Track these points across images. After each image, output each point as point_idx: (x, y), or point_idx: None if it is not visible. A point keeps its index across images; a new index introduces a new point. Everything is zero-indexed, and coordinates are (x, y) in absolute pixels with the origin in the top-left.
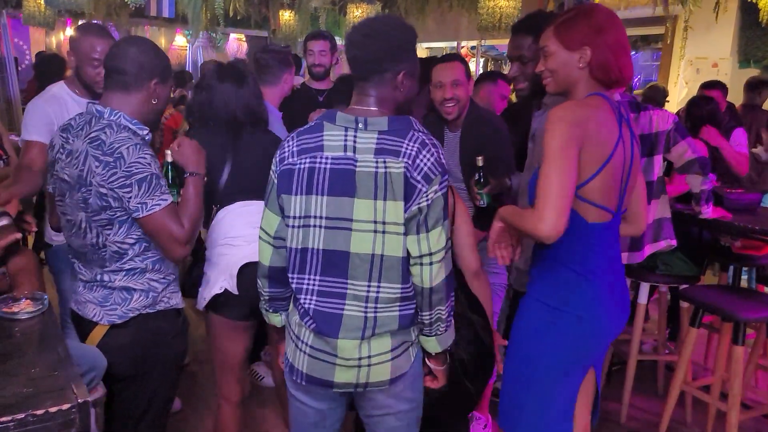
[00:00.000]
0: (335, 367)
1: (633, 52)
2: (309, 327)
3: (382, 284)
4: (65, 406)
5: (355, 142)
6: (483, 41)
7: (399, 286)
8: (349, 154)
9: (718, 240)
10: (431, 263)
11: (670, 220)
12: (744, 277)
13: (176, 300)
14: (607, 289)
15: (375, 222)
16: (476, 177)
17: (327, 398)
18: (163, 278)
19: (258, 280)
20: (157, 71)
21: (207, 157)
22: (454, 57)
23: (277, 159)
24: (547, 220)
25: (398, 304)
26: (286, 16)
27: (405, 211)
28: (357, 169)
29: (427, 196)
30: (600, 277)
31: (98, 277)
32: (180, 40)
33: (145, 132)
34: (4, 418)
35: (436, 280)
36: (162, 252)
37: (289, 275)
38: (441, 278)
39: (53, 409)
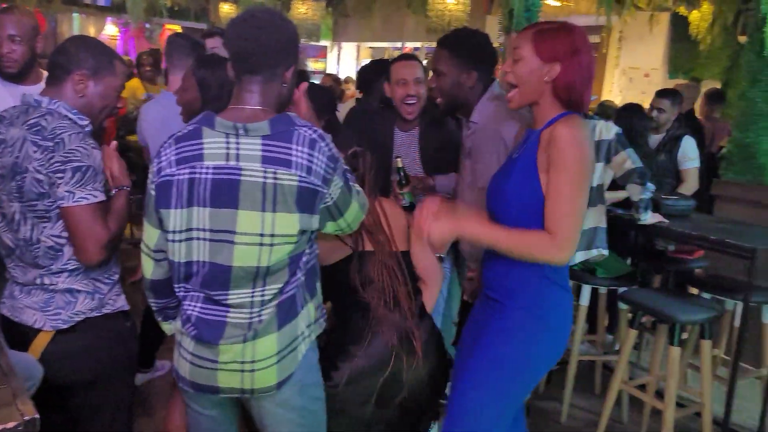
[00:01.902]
0: (218, 372)
1: None
2: (190, 334)
3: (267, 287)
4: (10, 425)
5: (237, 149)
6: (427, 43)
7: (284, 280)
8: (232, 162)
9: (653, 244)
10: (351, 228)
11: (605, 231)
12: None
13: (121, 302)
14: (571, 295)
15: (262, 235)
16: (397, 178)
17: (216, 405)
18: (108, 278)
19: (145, 290)
20: (84, 64)
21: None
22: (414, 56)
23: (155, 169)
24: (569, 246)
25: (278, 297)
26: (226, 8)
27: (311, 218)
28: (242, 178)
29: (330, 194)
30: (567, 284)
31: (38, 280)
32: (111, 29)
33: (86, 123)
34: None
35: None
36: (77, 252)
37: (175, 285)
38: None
39: None
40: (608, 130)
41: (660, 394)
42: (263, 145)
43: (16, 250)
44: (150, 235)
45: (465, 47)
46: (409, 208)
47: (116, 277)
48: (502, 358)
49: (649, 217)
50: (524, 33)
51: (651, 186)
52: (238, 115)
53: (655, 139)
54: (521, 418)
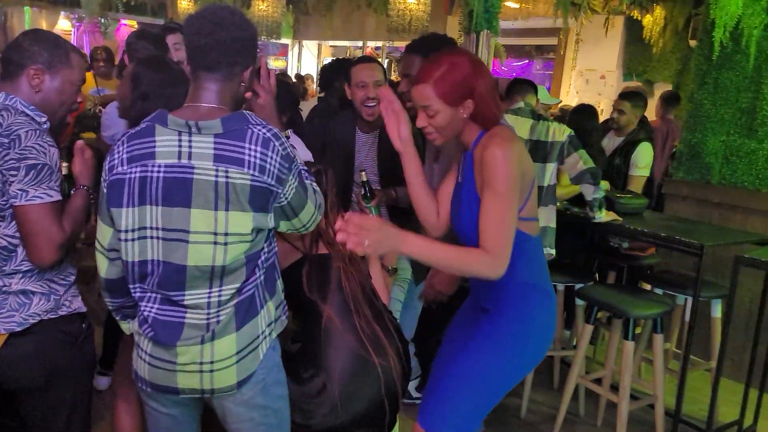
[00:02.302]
0: (177, 374)
1: (527, 61)
2: (147, 335)
3: (224, 287)
4: None
5: (190, 147)
6: (388, 43)
7: (241, 279)
8: (184, 161)
9: (607, 242)
10: (306, 229)
11: (554, 231)
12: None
13: (78, 304)
14: (554, 295)
15: (215, 233)
16: (362, 192)
17: (176, 404)
18: (64, 279)
19: (101, 288)
20: (37, 58)
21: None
22: (373, 59)
23: (107, 167)
24: (502, 260)
25: (236, 298)
26: (185, 3)
27: (265, 216)
28: (194, 177)
29: (284, 194)
30: (550, 286)
31: None
32: (64, 23)
33: (43, 119)
34: None
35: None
36: (29, 253)
37: (130, 285)
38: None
39: None
40: (561, 132)
41: (615, 388)
42: (216, 143)
43: None
44: (103, 233)
45: (436, 51)
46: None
47: (72, 278)
48: (488, 367)
49: (603, 216)
50: (422, 88)
51: (604, 185)
52: (192, 113)
53: (616, 141)
54: None
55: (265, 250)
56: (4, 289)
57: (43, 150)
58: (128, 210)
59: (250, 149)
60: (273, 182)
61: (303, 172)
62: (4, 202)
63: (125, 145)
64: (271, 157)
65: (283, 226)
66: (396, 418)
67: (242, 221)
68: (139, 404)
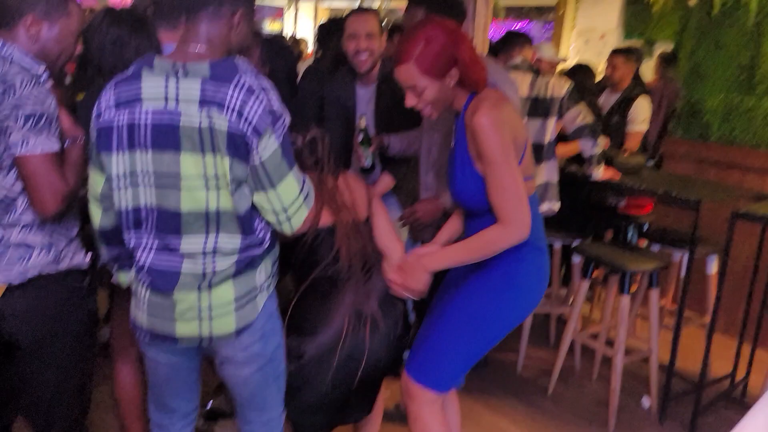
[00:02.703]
0: (175, 322)
1: (526, 21)
2: (144, 284)
3: (220, 236)
4: None
5: (177, 91)
6: (385, 3)
7: (239, 236)
8: (171, 106)
9: (605, 200)
10: (289, 218)
11: (556, 185)
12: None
13: (80, 259)
14: (546, 252)
15: (206, 177)
16: (360, 138)
17: (176, 352)
18: (65, 233)
19: (96, 238)
20: (35, 7)
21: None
22: (369, 10)
23: (95, 114)
24: (523, 226)
25: (237, 255)
26: None
27: (242, 167)
28: (181, 123)
29: (259, 152)
30: (541, 242)
31: None
32: None
33: (41, 69)
34: None
35: (300, 228)
36: (33, 204)
37: (125, 234)
38: (304, 226)
39: None
40: (561, 86)
41: (610, 344)
42: (202, 87)
43: None
44: (95, 181)
45: (440, 4)
46: (369, 170)
47: (74, 232)
48: (474, 313)
49: (600, 173)
50: (404, 69)
51: (602, 140)
52: (180, 56)
53: (612, 99)
54: None
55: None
56: (4, 241)
57: (41, 99)
58: (118, 156)
59: (233, 94)
60: (249, 132)
61: (289, 145)
62: (1, 152)
63: (113, 91)
64: (252, 107)
65: (259, 201)
66: (379, 385)
67: (223, 165)
68: (138, 361)
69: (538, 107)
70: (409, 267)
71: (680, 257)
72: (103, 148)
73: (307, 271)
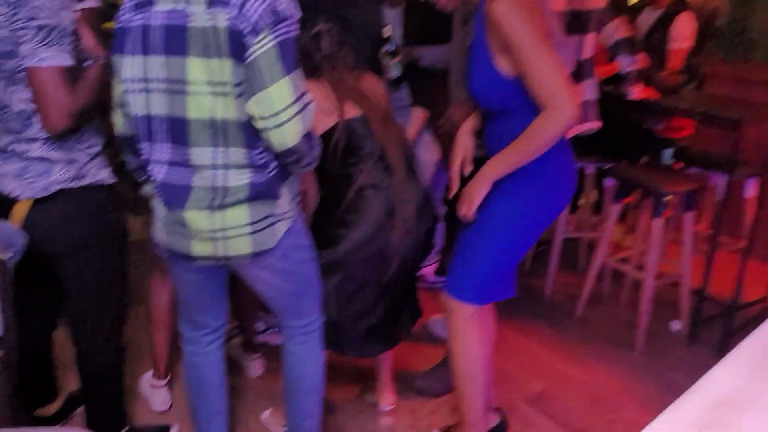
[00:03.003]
0: (191, 240)
1: None
2: (160, 199)
3: (229, 149)
4: None
5: None
6: None
7: (245, 150)
8: (181, 7)
9: (641, 122)
10: (278, 126)
11: (595, 103)
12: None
13: (104, 175)
14: (572, 157)
15: (211, 83)
16: (385, 48)
17: (198, 270)
18: (86, 149)
19: (123, 153)
20: None
21: None
22: None
23: (117, 17)
24: (569, 106)
25: (248, 170)
26: None
27: (240, 69)
28: (190, 24)
29: (253, 49)
30: (567, 145)
31: (10, 147)
32: None
33: None
34: None
35: (290, 142)
36: (40, 118)
37: (139, 144)
38: (296, 140)
39: None
40: None
41: (641, 269)
42: None
43: None
44: (116, 86)
45: None
46: (397, 82)
47: (96, 149)
48: (502, 216)
49: (638, 92)
50: None
51: (641, 57)
52: None
53: (652, 16)
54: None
55: None
56: (25, 155)
57: (54, 11)
58: (132, 58)
59: None
60: (247, 31)
61: (289, 51)
62: (16, 65)
63: None
64: (253, 4)
65: (249, 107)
66: (411, 290)
67: (224, 69)
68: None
69: (577, 22)
70: (468, 187)
71: (718, 180)
72: (118, 50)
73: (348, 170)
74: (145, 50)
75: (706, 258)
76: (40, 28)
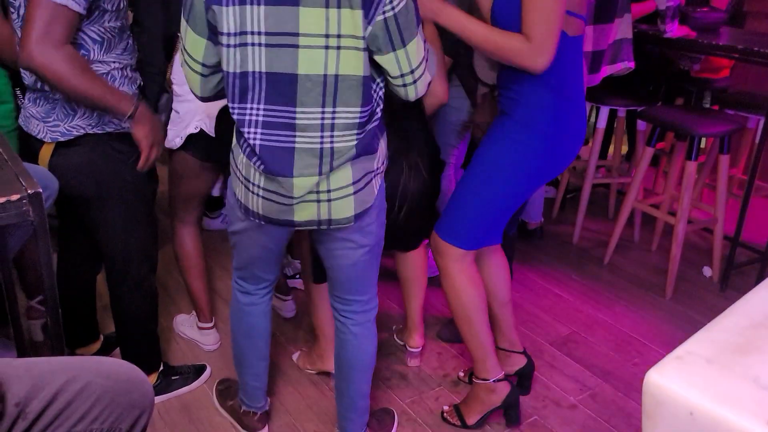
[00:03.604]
0: (293, 207)
1: None
2: (258, 168)
3: (337, 108)
4: (14, 197)
5: None
6: None
7: (358, 110)
8: None
9: (677, 64)
10: (415, 81)
11: (630, 42)
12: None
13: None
14: (579, 104)
15: (327, 36)
16: None
17: (283, 231)
18: None
19: None
20: None
21: None
22: None
23: None
24: (547, 54)
25: (354, 130)
26: None
27: (368, 23)
28: None
29: (392, 5)
30: (575, 94)
31: (38, 84)
32: None
33: None
34: None
35: (421, 92)
36: (19, 44)
37: (230, 105)
38: (424, 90)
39: (1, 200)
40: None
41: (673, 215)
42: None
43: None
44: (195, 44)
45: None
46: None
47: None
48: (490, 162)
49: (675, 29)
50: None
51: None
52: None
53: None
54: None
55: (378, 81)
56: (51, 96)
57: None
58: (229, 9)
59: None
60: None
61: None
62: None
63: None
64: None
65: (387, 62)
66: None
67: (353, 19)
68: (197, 225)
69: None
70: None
71: (756, 123)
72: (213, 1)
73: None
74: (243, 0)
75: (741, 202)
76: None
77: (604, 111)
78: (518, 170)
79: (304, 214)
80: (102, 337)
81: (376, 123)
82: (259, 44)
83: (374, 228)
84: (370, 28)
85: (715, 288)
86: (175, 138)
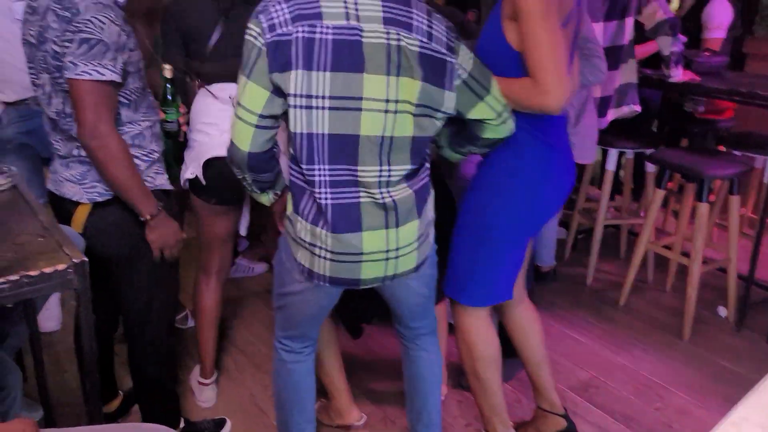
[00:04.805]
0: (361, 264)
1: None
2: (326, 229)
3: (392, 167)
4: (60, 267)
5: (356, 9)
6: None
7: (408, 166)
8: (353, 23)
9: (681, 106)
10: (506, 118)
11: (635, 86)
12: None
13: (162, 181)
14: (563, 151)
15: (387, 101)
16: None
17: (340, 289)
18: (145, 156)
19: (233, 165)
20: None
21: (195, 20)
22: None
23: (265, 26)
24: (554, 91)
25: (406, 182)
26: None
27: (449, 90)
28: (364, 40)
29: (461, 65)
30: (554, 139)
31: (74, 152)
32: None
33: None
34: None
35: (511, 128)
36: (76, 126)
37: (298, 167)
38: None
39: (48, 270)
40: None
41: (686, 255)
42: (383, 6)
43: (54, 123)
44: (255, 96)
45: None
46: None
47: (155, 156)
48: (474, 207)
49: (679, 74)
50: None
51: (682, 38)
52: None
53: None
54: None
55: (428, 141)
56: (87, 160)
57: (101, 24)
58: (296, 73)
59: (416, 14)
60: (444, 51)
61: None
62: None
63: (284, 5)
64: (437, 25)
65: (481, 111)
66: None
67: (411, 88)
68: (219, 279)
69: (615, 6)
70: None
71: (763, 162)
72: (280, 66)
73: None
74: (308, 66)
75: (754, 241)
76: (82, 41)
77: (613, 154)
78: (508, 219)
79: (371, 272)
80: (121, 393)
81: (426, 173)
82: (323, 107)
83: (430, 271)
84: (452, 95)
85: (731, 328)
86: (183, 181)
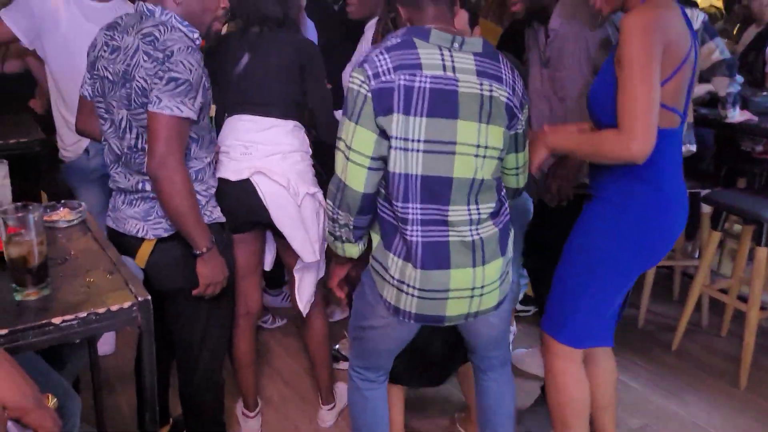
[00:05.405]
0: (447, 302)
1: None
2: (416, 266)
3: (480, 206)
4: (126, 304)
5: (452, 61)
6: None
7: (493, 204)
8: (449, 74)
9: (739, 145)
10: (524, 171)
11: (692, 125)
12: None
13: (218, 214)
14: (674, 197)
15: (478, 146)
16: None
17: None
18: (205, 191)
19: (340, 209)
20: None
21: (226, 49)
22: None
23: (369, 74)
24: (640, 138)
25: (491, 220)
26: None
27: (509, 136)
28: (459, 89)
29: (522, 121)
30: (667, 184)
31: (139, 185)
32: None
33: (196, 35)
34: (67, 317)
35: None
36: (147, 156)
37: (391, 204)
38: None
39: (114, 308)
40: (694, 17)
41: (742, 299)
42: (476, 60)
43: (122, 157)
44: (364, 140)
45: None
46: None
47: (213, 190)
48: (579, 246)
49: (737, 115)
50: None
51: (740, 78)
52: (449, 31)
53: (751, 33)
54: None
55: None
56: (152, 196)
57: (190, 67)
58: (397, 116)
59: (505, 69)
60: (518, 105)
61: None
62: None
63: (386, 55)
64: (518, 82)
65: (511, 161)
66: None
67: (498, 135)
68: (250, 323)
69: None
70: (531, 141)
71: None
72: (384, 110)
73: None
74: (407, 111)
75: None
76: (171, 79)
77: None
78: (611, 256)
79: (456, 309)
80: (171, 420)
81: (507, 211)
82: (418, 150)
83: (507, 305)
84: (507, 140)
85: None
86: None
